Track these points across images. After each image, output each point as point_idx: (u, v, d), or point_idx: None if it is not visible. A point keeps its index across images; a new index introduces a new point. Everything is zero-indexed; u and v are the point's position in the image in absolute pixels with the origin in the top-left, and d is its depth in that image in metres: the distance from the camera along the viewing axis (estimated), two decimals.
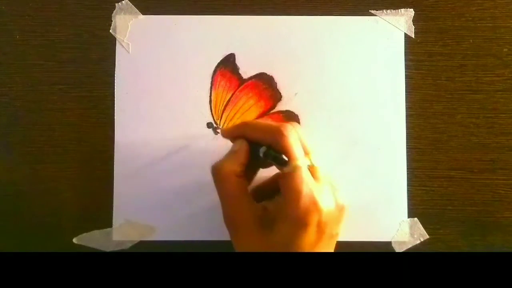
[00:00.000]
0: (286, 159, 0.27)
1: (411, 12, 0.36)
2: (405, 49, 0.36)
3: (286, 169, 0.27)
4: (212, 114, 0.36)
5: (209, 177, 0.35)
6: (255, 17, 0.36)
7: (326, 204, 0.27)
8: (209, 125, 0.36)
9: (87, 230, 0.35)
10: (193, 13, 0.36)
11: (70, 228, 0.35)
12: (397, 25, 0.36)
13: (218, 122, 0.36)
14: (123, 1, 0.36)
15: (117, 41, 0.36)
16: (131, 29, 0.36)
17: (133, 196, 0.35)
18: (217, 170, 0.29)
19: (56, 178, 0.36)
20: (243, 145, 0.29)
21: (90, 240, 0.35)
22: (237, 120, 0.36)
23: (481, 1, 0.37)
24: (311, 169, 0.28)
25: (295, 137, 0.28)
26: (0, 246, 0.35)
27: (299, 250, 0.27)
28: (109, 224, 0.35)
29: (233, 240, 0.29)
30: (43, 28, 0.36)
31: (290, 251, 0.27)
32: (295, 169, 0.27)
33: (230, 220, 0.29)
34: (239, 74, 0.36)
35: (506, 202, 0.36)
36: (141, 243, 0.35)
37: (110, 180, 0.35)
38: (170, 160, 0.35)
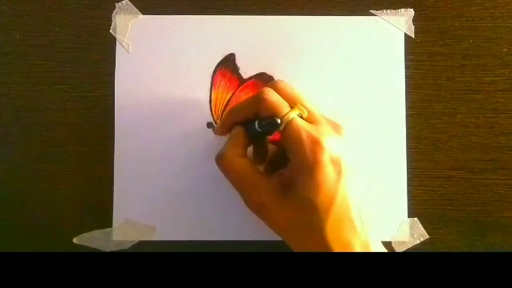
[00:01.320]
0: (279, 121, 0.27)
1: (411, 12, 0.36)
2: (405, 49, 0.36)
3: (281, 128, 0.27)
4: (212, 114, 0.36)
5: (209, 177, 0.36)
6: (255, 17, 0.36)
7: (330, 140, 0.27)
8: (209, 125, 0.36)
9: (87, 230, 0.35)
10: (193, 13, 0.36)
11: (70, 228, 0.35)
12: (397, 25, 0.36)
13: (218, 122, 0.36)
14: (123, 1, 0.36)
15: (117, 41, 0.36)
16: (131, 29, 0.36)
17: (133, 196, 0.35)
18: (220, 158, 0.29)
19: (56, 178, 0.36)
20: (237, 129, 0.29)
21: (90, 240, 0.35)
22: None
23: (481, 1, 0.37)
24: (305, 117, 0.28)
25: (274, 96, 0.28)
26: (0, 246, 0.35)
27: (326, 197, 0.26)
28: (109, 224, 0.35)
29: (265, 221, 0.29)
30: (43, 28, 0.36)
31: (318, 200, 0.26)
32: (288, 122, 0.27)
33: (251, 201, 0.29)
34: (239, 74, 0.36)
35: (506, 202, 0.36)
36: (141, 243, 0.35)
37: (110, 180, 0.35)
38: (170, 160, 0.35)
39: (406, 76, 0.36)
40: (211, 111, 0.36)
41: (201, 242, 0.35)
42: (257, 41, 0.36)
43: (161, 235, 0.35)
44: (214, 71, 0.36)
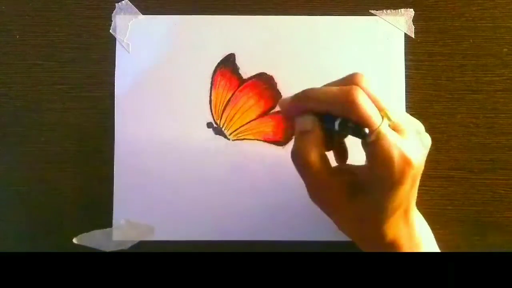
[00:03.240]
0: (367, 131, 0.25)
1: (411, 12, 0.36)
2: (405, 49, 0.36)
3: (369, 139, 0.25)
4: (212, 114, 0.36)
5: (209, 177, 0.36)
6: (255, 17, 0.36)
7: (418, 156, 0.26)
8: (209, 125, 0.36)
9: (87, 230, 0.35)
10: (193, 13, 0.36)
11: (70, 228, 0.35)
12: (397, 25, 0.36)
13: (218, 122, 0.36)
14: (123, 1, 0.36)
15: (117, 41, 0.36)
16: (131, 29, 0.36)
17: (133, 196, 0.35)
18: (299, 157, 0.26)
19: (56, 178, 0.36)
20: (315, 124, 0.26)
21: (90, 240, 0.35)
22: (237, 120, 0.36)
23: (481, 1, 0.37)
24: (392, 125, 0.26)
25: (367, 102, 0.25)
26: (0, 246, 0.35)
27: (397, 203, 0.26)
28: (109, 224, 0.35)
29: (329, 216, 0.29)
30: (43, 28, 0.36)
31: (389, 207, 0.26)
32: (378, 136, 0.25)
33: (316, 197, 0.28)
34: (239, 74, 0.36)
35: (506, 202, 0.36)
36: (141, 243, 0.35)
37: (110, 180, 0.35)
38: (170, 160, 0.35)
39: (406, 76, 0.36)
40: (211, 111, 0.36)
41: (201, 242, 0.35)
42: (257, 41, 0.36)
43: (160, 235, 0.35)
44: (214, 71, 0.36)
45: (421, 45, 0.36)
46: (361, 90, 0.25)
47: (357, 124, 0.25)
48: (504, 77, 0.36)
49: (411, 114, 0.36)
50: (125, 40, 0.36)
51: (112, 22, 0.36)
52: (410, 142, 0.26)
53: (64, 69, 0.36)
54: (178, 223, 0.35)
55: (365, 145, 0.26)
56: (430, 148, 0.28)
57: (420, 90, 0.36)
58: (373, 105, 0.25)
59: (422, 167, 0.27)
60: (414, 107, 0.36)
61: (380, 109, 0.26)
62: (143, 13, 0.36)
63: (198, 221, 0.35)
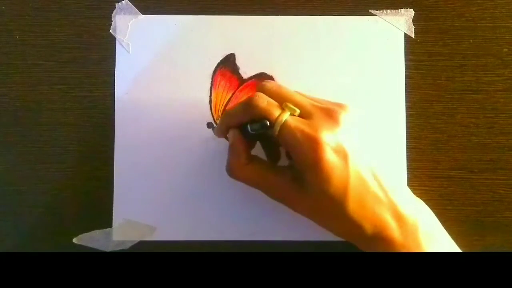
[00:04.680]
0: (267, 122, 0.27)
1: (411, 12, 0.36)
2: (405, 49, 0.36)
3: (275, 131, 0.27)
4: (212, 114, 0.36)
5: (209, 177, 0.36)
6: (255, 17, 0.36)
7: (327, 132, 0.27)
8: (209, 125, 0.36)
9: (87, 230, 0.35)
10: (193, 13, 0.36)
11: (70, 228, 0.35)
12: (397, 25, 0.36)
13: (218, 122, 0.36)
14: (123, 1, 0.36)
15: (117, 41, 0.36)
16: (131, 29, 0.36)
17: (133, 196, 0.35)
18: (229, 172, 0.30)
19: (56, 178, 0.36)
20: (235, 135, 0.30)
21: (90, 240, 0.35)
22: None
23: (481, 1, 0.37)
24: (298, 114, 0.28)
25: (264, 101, 0.28)
26: (0, 246, 0.35)
27: (339, 185, 0.26)
28: (109, 224, 0.35)
29: (295, 211, 0.30)
30: (43, 28, 0.36)
31: (332, 191, 0.26)
32: (280, 126, 0.27)
33: (273, 198, 0.30)
34: (239, 74, 0.36)
35: (506, 202, 0.36)
36: (141, 243, 0.35)
37: (110, 180, 0.35)
38: (170, 160, 0.35)
39: (406, 76, 0.36)
40: (211, 111, 0.36)
41: (201, 242, 0.35)
42: (257, 41, 0.36)
43: (161, 235, 0.35)
44: (214, 71, 0.36)
45: (421, 45, 0.36)
46: (259, 94, 0.28)
47: (260, 120, 0.28)
48: (504, 77, 0.36)
49: (411, 114, 0.36)
50: (125, 40, 0.36)
51: (112, 22, 0.36)
52: (314, 122, 0.27)
53: (64, 69, 0.36)
54: (178, 223, 0.35)
55: (279, 140, 0.28)
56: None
57: (420, 90, 0.36)
58: (271, 101, 0.28)
59: (345, 142, 0.27)
60: (414, 107, 0.36)
61: (283, 103, 0.28)
62: (143, 13, 0.36)
63: (198, 221, 0.35)
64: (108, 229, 0.35)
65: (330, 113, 0.28)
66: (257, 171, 0.29)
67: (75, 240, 0.35)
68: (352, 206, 0.27)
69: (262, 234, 0.35)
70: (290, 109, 0.28)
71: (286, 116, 0.27)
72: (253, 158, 0.30)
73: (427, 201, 0.31)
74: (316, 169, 0.26)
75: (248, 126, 0.28)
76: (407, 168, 0.35)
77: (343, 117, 0.28)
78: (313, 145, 0.26)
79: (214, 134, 0.33)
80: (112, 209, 0.35)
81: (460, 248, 0.30)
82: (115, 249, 0.35)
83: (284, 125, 0.27)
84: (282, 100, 0.28)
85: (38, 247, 0.35)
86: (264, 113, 0.28)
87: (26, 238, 0.35)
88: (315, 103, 0.29)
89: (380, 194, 0.27)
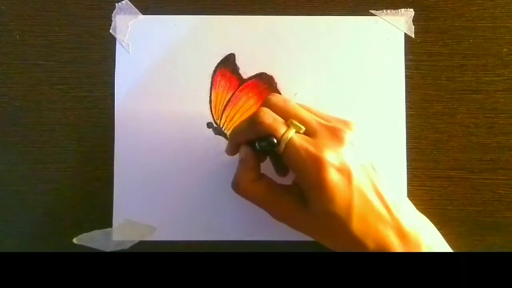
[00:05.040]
0: (274, 140, 0.27)
1: (411, 12, 0.36)
2: (405, 49, 0.36)
3: (280, 148, 0.27)
4: (212, 114, 0.36)
5: (209, 177, 0.36)
6: (255, 17, 0.36)
7: (331, 151, 0.27)
8: (209, 125, 0.36)
9: (87, 230, 0.35)
10: (193, 13, 0.36)
11: (70, 228, 0.35)
12: (397, 25, 0.36)
13: (218, 122, 0.36)
14: (123, 1, 0.36)
15: (117, 41, 0.36)
16: (131, 29, 0.36)
17: (133, 196, 0.35)
18: (236, 187, 0.30)
19: (56, 178, 0.36)
20: (246, 151, 0.29)
21: (90, 240, 0.35)
22: (237, 120, 0.36)
23: (481, 1, 0.37)
24: (307, 132, 0.28)
25: (270, 118, 0.28)
26: (0, 246, 0.35)
27: (343, 204, 0.26)
28: (109, 224, 0.35)
29: (297, 230, 0.30)
30: (43, 28, 0.36)
31: (336, 211, 0.26)
32: (285, 144, 0.27)
33: (276, 218, 0.29)
34: (239, 74, 0.36)
35: (506, 202, 0.36)
36: (141, 243, 0.35)
37: (110, 180, 0.35)
38: (170, 160, 0.35)
39: (406, 76, 0.36)
40: (211, 111, 0.36)
41: (201, 242, 0.35)
42: (257, 41, 0.36)
43: (161, 235, 0.35)
44: (214, 71, 0.36)
45: (421, 45, 0.36)
46: (264, 110, 0.28)
47: (267, 138, 0.28)
48: (504, 77, 0.36)
49: (411, 114, 0.36)
50: (125, 40, 0.36)
51: (112, 22, 0.36)
52: (319, 141, 0.27)
53: (64, 69, 0.36)
54: (178, 223, 0.35)
55: (284, 157, 0.28)
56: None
57: (420, 90, 0.36)
58: (277, 118, 0.28)
59: (349, 161, 0.27)
60: (414, 107, 0.36)
61: (289, 120, 0.28)
62: (143, 13, 0.36)
63: (198, 221, 0.35)
64: (108, 229, 0.35)
65: (335, 132, 0.28)
66: (264, 189, 0.29)
67: (75, 240, 0.35)
68: (356, 225, 0.27)
69: (262, 234, 0.35)
70: (295, 126, 0.28)
71: (291, 133, 0.27)
72: (262, 176, 0.30)
73: (427, 201, 0.31)
74: (320, 189, 0.26)
75: (256, 144, 0.28)
76: (407, 168, 0.35)
77: (348, 136, 0.28)
78: (317, 165, 0.26)
79: (226, 153, 0.33)
80: (112, 209, 0.35)
81: (461, 248, 0.30)
82: (115, 249, 0.35)
83: (289, 143, 0.27)
84: (288, 116, 0.28)
85: (38, 247, 0.35)
86: (269, 130, 0.27)
87: (26, 238, 0.35)
88: (321, 120, 0.29)
89: (383, 212, 0.27)
